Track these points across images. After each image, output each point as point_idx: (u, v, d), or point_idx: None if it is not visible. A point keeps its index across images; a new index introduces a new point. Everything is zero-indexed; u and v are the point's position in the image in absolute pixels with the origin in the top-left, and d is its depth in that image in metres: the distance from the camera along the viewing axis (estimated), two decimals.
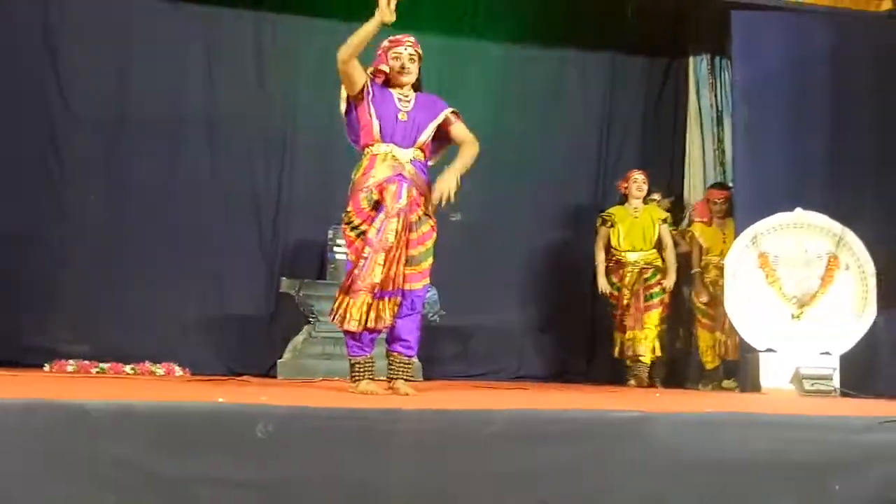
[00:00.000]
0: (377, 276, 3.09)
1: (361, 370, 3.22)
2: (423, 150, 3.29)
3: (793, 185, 5.05)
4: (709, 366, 5.38)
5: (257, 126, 5.59)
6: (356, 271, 3.10)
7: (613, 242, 5.35)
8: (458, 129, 3.39)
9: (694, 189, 6.06)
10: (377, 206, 3.14)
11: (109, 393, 2.67)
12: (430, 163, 3.37)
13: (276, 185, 5.58)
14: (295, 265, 5.44)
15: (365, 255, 3.08)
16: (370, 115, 3.22)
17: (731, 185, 5.63)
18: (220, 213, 5.44)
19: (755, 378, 4.60)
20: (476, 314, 5.65)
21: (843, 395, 4.38)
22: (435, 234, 3.29)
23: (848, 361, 4.55)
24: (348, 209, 3.20)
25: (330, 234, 5.23)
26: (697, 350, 5.44)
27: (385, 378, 3.33)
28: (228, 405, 2.25)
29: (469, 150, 3.35)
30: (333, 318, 3.18)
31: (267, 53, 5.62)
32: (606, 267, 5.36)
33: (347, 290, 3.12)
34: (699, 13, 5.96)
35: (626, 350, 5.22)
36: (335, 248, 5.20)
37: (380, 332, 3.25)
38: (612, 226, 5.37)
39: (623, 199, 5.47)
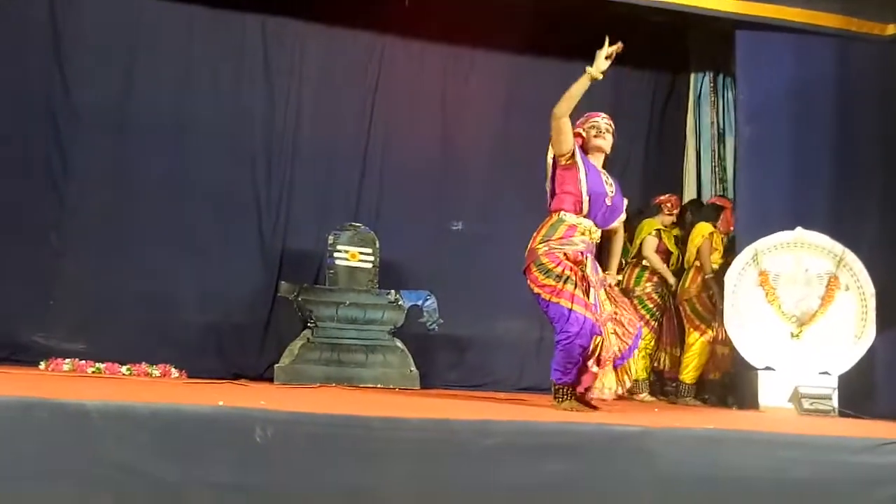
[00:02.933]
0: (615, 345, 3.35)
1: (565, 393, 3.42)
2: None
3: (794, 204, 5.06)
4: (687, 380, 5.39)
5: (261, 130, 5.58)
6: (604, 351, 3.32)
7: (661, 258, 5.38)
8: (619, 235, 3.78)
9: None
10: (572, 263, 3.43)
11: (106, 393, 2.66)
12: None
13: (278, 189, 5.57)
14: (295, 270, 5.42)
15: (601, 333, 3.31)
16: (582, 189, 3.46)
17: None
18: (221, 215, 5.41)
19: (753, 396, 4.59)
20: (476, 324, 5.64)
21: (842, 415, 4.37)
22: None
23: (847, 382, 4.55)
24: (542, 262, 3.43)
25: (330, 239, 5.22)
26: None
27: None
28: (228, 409, 2.24)
29: (619, 243, 3.80)
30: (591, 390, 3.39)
31: (271, 58, 5.62)
32: (655, 281, 5.36)
33: (598, 363, 3.31)
34: (702, 31, 5.98)
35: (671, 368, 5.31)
36: (335, 254, 5.20)
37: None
38: (658, 237, 5.39)
39: (651, 213, 5.52)
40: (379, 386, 4.82)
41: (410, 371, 4.99)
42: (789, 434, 2.85)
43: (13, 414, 2.02)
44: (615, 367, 3.34)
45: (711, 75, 6.15)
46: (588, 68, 3.44)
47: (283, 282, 5.12)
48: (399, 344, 5.07)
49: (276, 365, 4.87)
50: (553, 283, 3.37)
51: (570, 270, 3.38)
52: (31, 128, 5.16)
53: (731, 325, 4.72)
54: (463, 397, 4.25)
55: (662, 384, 5.44)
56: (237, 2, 5.55)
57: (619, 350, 3.34)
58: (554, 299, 3.35)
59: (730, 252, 5.18)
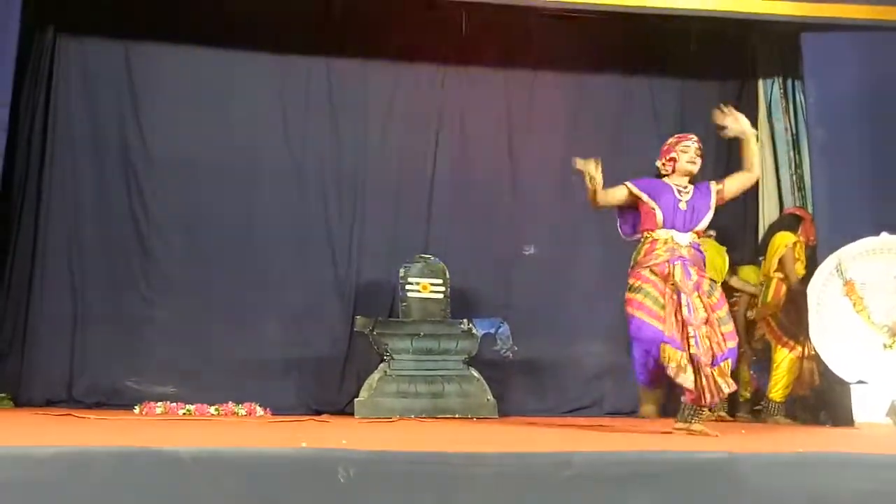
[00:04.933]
0: (711, 348, 3.43)
1: (687, 411, 3.51)
2: (698, 234, 3.67)
3: (876, 208, 4.85)
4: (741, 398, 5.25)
5: (329, 168, 5.74)
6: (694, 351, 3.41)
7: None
8: (730, 183, 3.74)
9: (769, 216, 5.86)
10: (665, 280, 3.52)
11: (198, 437, 2.77)
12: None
13: (348, 225, 5.70)
14: (369, 303, 5.52)
15: (691, 333, 3.40)
16: (652, 207, 3.64)
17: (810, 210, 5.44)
18: (296, 254, 5.57)
19: (847, 412, 4.39)
20: (553, 349, 5.59)
21: None
22: (726, 301, 3.68)
23: None
24: (628, 281, 3.59)
25: (401, 272, 5.30)
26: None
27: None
28: (311, 450, 2.29)
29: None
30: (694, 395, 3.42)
31: (336, 97, 5.78)
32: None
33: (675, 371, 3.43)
34: (768, 36, 5.84)
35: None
36: (407, 287, 5.26)
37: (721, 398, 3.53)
38: None
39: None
40: (457, 416, 4.84)
41: (488, 400, 4.98)
42: (889, 454, 2.71)
43: (114, 463, 2.13)
44: (711, 366, 3.40)
45: (781, 80, 5.98)
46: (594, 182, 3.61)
47: (358, 316, 5.21)
48: (475, 373, 5.08)
49: (356, 399, 4.95)
50: (630, 294, 3.57)
51: (648, 283, 3.52)
52: (112, 180, 5.45)
53: (818, 338, 4.54)
54: (542, 425, 4.22)
55: (752, 403, 5.26)
56: (301, 45, 5.75)
57: (714, 352, 3.42)
58: (627, 308, 3.56)
59: (812, 263, 4.98)
